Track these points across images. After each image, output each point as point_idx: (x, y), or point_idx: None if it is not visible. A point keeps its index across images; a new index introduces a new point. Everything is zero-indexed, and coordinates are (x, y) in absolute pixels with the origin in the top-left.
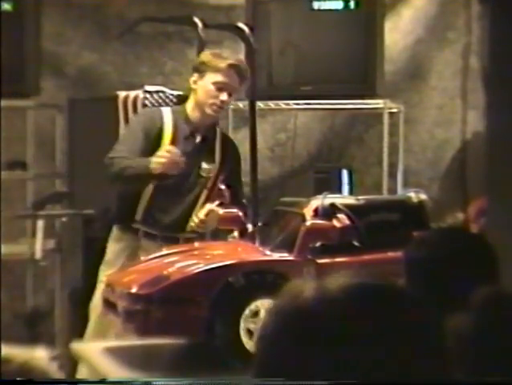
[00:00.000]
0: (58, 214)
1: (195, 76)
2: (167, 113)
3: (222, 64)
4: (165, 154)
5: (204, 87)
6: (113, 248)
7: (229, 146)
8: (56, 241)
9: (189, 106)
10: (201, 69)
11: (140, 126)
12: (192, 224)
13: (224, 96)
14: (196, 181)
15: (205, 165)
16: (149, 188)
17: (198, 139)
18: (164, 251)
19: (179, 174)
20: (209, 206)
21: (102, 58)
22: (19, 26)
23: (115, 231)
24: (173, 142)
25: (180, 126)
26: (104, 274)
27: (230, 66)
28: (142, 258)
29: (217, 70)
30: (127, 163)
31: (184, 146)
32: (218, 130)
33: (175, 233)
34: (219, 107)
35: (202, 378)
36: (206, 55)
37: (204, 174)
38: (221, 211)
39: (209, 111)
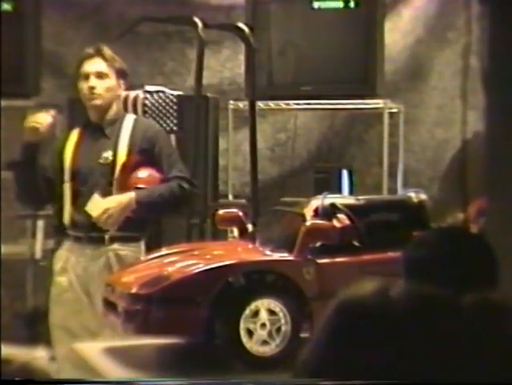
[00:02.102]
0: None
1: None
2: (75, 130)
3: (81, 56)
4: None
5: (78, 87)
6: (54, 255)
7: (137, 129)
8: (56, 240)
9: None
10: (74, 74)
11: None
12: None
13: (91, 82)
14: (99, 173)
15: (104, 153)
16: (67, 194)
17: (97, 135)
18: (164, 251)
19: (84, 172)
20: (96, 198)
21: None
22: (19, 27)
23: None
24: (74, 151)
25: (83, 132)
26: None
27: (88, 54)
28: (142, 258)
29: (79, 64)
30: None
31: (82, 148)
32: (129, 117)
33: (97, 232)
34: (91, 93)
35: (202, 379)
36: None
37: (103, 162)
38: (220, 211)
39: (88, 103)
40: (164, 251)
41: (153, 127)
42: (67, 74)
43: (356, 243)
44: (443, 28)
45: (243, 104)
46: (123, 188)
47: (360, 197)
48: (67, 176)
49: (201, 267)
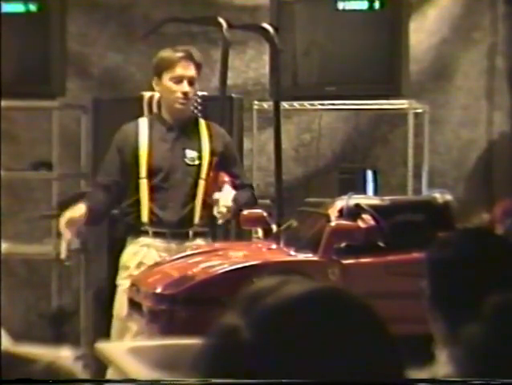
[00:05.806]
0: None
1: (155, 79)
2: (143, 123)
3: (174, 58)
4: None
5: (164, 86)
6: (127, 251)
7: (214, 133)
8: (81, 241)
9: (162, 108)
10: (157, 70)
11: (114, 145)
12: (217, 214)
13: (185, 87)
14: (185, 172)
15: (189, 154)
16: (145, 190)
17: (175, 134)
18: (189, 251)
19: (166, 170)
20: (231, 193)
21: (127, 59)
22: (45, 27)
23: (128, 237)
24: (150, 148)
25: (156, 129)
26: (120, 278)
27: (181, 57)
28: (167, 258)
29: (170, 65)
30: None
31: (161, 146)
32: (201, 120)
33: (182, 228)
34: (184, 98)
35: (229, 379)
36: (159, 56)
37: (190, 162)
38: (245, 211)
39: (177, 105)
40: (188, 251)
41: (226, 134)
42: (93, 74)
43: (381, 243)
44: (468, 28)
45: (268, 105)
46: (210, 188)
47: (385, 198)
48: (143, 172)
49: (226, 267)
